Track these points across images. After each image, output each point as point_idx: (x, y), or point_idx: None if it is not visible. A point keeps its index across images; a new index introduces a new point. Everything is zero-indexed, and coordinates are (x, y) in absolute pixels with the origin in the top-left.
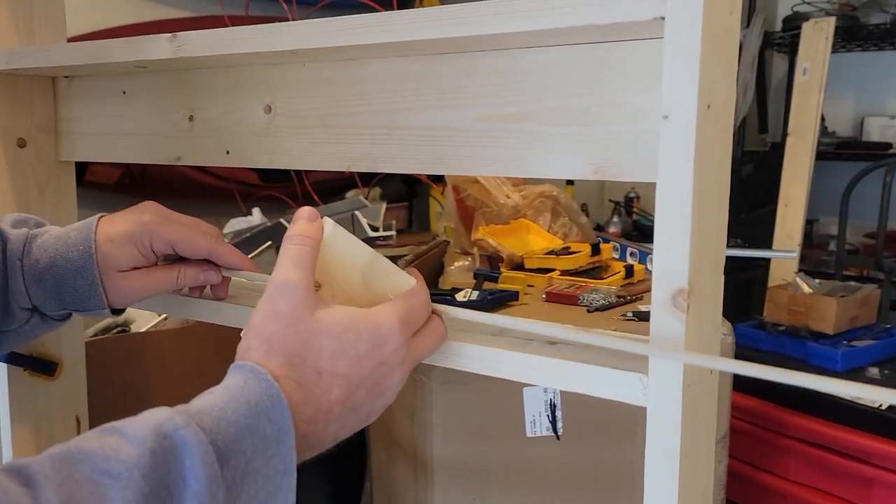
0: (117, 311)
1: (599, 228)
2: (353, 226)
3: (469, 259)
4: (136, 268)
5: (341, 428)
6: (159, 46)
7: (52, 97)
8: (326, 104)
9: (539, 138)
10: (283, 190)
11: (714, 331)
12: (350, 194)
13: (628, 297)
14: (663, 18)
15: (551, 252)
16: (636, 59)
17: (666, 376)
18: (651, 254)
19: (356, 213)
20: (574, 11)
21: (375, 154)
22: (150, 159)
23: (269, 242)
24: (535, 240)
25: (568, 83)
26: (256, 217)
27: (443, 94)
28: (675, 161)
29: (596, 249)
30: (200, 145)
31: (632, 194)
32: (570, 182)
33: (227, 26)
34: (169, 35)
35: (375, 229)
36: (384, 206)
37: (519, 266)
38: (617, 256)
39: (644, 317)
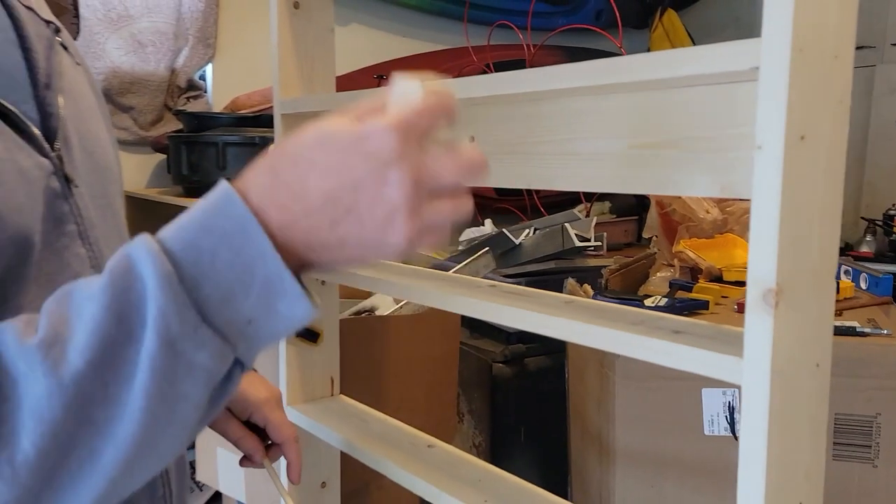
0: None
1: (848, 248)
2: (562, 237)
3: (672, 270)
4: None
5: (334, 227)
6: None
7: None
8: (516, 135)
9: (678, 162)
10: (514, 203)
11: (818, 328)
12: (578, 209)
13: None
14: (758, 68)
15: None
16: (746, 99)
17: (756, 360)
18: (863, 272)
19: (566, 224)
20: (699, 61)
21: (551, 175)
22: None
23: (487, 248)
24: (740, 254)
25: (699, 117)
26: (488, 227)
27: (606, 126)
28: (765, 183)
29: None
30: None
31: (893, 211)
32: None
33: (471, 57)
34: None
35: (584, 240)
36: (594, 219)
37: (717, 278)
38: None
39: (837, 330)
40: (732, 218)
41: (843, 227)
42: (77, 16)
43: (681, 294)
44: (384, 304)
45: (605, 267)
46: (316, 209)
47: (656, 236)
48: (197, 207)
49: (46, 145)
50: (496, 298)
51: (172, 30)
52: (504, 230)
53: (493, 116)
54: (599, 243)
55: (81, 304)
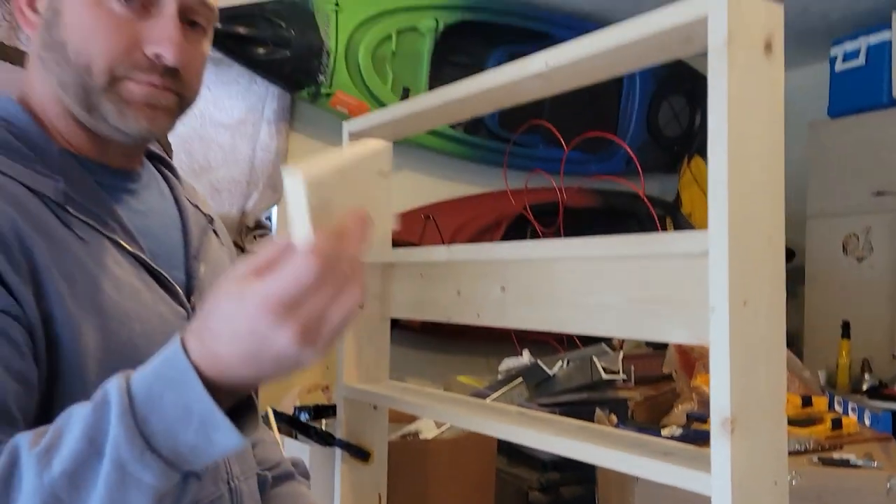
0: None
1: (882, 386)
2: (590, 369)
3: (692, 403)
4: None
5: (261, 373)
6: (438, 252)
7: (380, 277)
8: (540, 286)
9: (663, 315)
10: (551, 335)
11: (772, 451)
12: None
13: (826, 445)
14: (707, 252)
15: None
16: (703, 272)
17: (720, 475)
18: (866, 409)
19: (594, 358)
20: (669, 244)
21: (567, 321)
22: (433, 317)
23: (520, 379)
24: None
25: (675, 283)
26: (525, 357)
27: (610, 284)
28: (718, 336)
29: (807, 401)
30: (463, 309)
31: None
32: (845, 335)
33: (510, 199)
34: (446, 247)
35: (611, 373)
36: (621, 354)
37: None
38: (841, 410)
39: (832, 462)
40: None
41: (879, 364)
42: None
43: (697, 425)
44: (428, 429)
45: (629, 399)
46: (229, 351)
47: (675, 371)
48: (157, 356)
49: (185, 299)
50: (522, 423)
51: (245, 178)
52: (538, 361)
53: (521, 271)
54: (625, 376)
55: (73, 422)
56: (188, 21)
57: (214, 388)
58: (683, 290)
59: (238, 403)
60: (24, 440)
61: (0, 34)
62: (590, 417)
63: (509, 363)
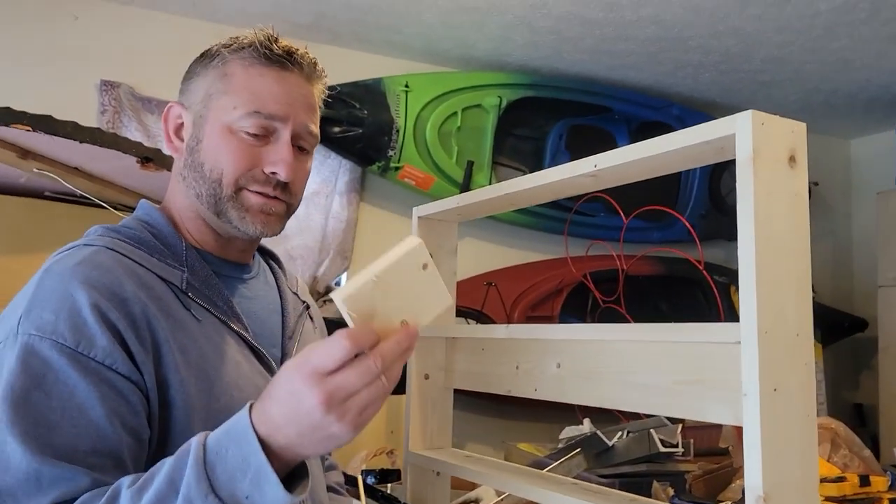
0: None
1: None
2: (648, 441)
3: None
4: None
5: (301, 436)
6: (498, 330)
7: (444, 350)
8: (592, 365)
9: (704, 396)
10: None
11: None
12: None
13: None
14: (739, 342)
15: (823, 479)
16: (738, 359)
17: None
18: None
19: (651, 431)
20: (708, 332)
21: (615, 398)
22: (493, 390)
23: (579, 450)
24: None
25: (715, 366)
26: (586, 426)
27: (655, 365)
28: (750, 419)
29: (865, 480)
30: (522, 383)
31: None
32: None
33: (569, 267)
34: (505, 326)
35: (669, 445)
36: (680, 427)
37: None
38: None
39: None
40: None
41: None
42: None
43: None
44: (488, 496)
45: (687, 472)
46: (284, 424)
47: (732, 446)
48: (232, 418)
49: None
50: (576, 493)
51: (318, 246)
52: (598, 432)
53: (575, 350)
54: (683, 450)
55: (162, 468)
56: (298, 146)
57: (272, 452)
58: (721, 374)
59: (294, 470)
60: (126, 481)
61: (103, 119)
62: (648, 490)
63: (570, 432)
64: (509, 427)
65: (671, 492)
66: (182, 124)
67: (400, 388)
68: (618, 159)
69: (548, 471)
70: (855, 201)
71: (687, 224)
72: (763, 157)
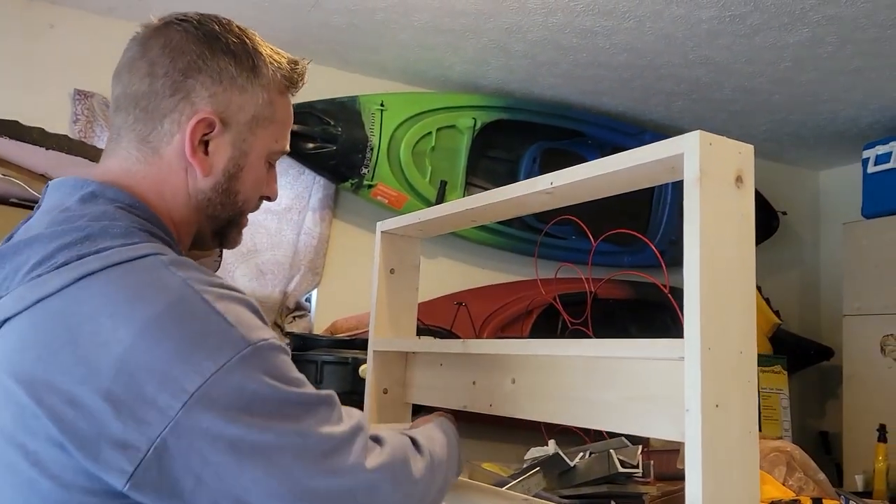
0: None
1: None
2: (608, 462)
3: None
4: None
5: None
6: (455, 345)
7: (404, 364)
8: (547, 381)
9: (651, 412)
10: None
11: None
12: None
13: None
14: (682, 358)
15: (776, 501)
16: (680, 375)
17: None
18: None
19: (611, 451)
20: (652, 349)
21: (571, 415)
22: (451, 405)
23: (538, 468)
24: (768, 490)
25: (660, 382)
26: (551, 448)
27: (607, 382)
28: (692, 434)
29: (818, 502)
30: (477, 399)
31: None
32: (881, 439)
33: (541, 290)
34: (461, 340)
35: (629, 466)
36: (640, 448)
37: None
38: None
39: None
40: (760, 455)
41: None
42: (221, 255)
43: None
44: None
45: (642, 495)
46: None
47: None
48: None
49: None
50: None
51: (289, 261)
52: (559, 452)
53: (530, 366)
54: (641, 472)
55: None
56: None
57: None
58: (666, 390)
59: None
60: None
61: (75, 129)
62: None
63: (535, 452)
64: (475, 447)
65: None
66: (210, 139)
67: (357, 403)
68: (574, 177)
69: (507, 488)
70: (823, 232)
71: (654, 248)
72: (710, 176)
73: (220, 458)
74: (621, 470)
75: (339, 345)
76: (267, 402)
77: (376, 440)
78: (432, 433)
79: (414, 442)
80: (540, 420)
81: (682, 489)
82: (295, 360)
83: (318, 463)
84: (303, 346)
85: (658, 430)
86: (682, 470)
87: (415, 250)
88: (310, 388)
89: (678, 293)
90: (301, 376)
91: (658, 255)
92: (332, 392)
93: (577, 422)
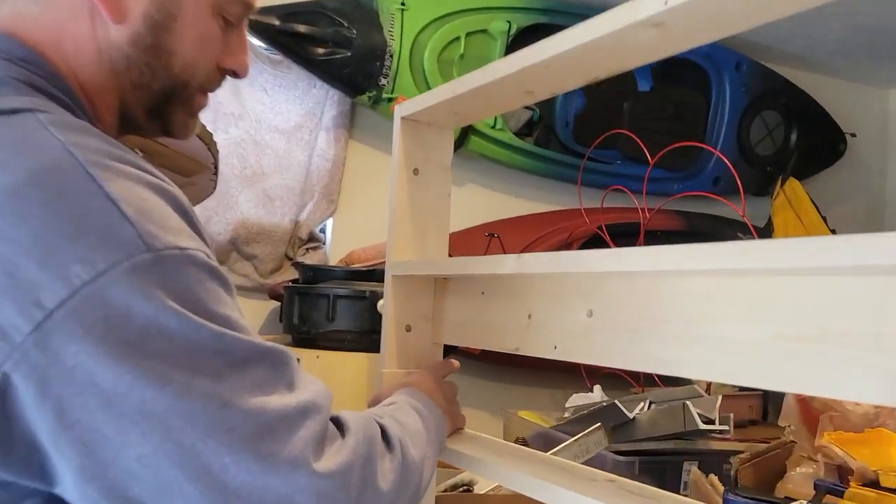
0: None
1: None
2: (683, 416)
3: (814, 466)
4: None
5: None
6: (506, 264)
7: (432, 294)
8: (638, 313)
9: (832, 360)
10: (626, 370)
11: None
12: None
13: None
14: None
15: None
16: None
17: None
18: None
19: (688, 403)
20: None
21: (681, 359)
22: (497, 347)
23: (599, 424)
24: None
25: (859, 311)
26: (597, 394)
27: (744, 311)
28: None
29: None
30: (534, 339)
31: None
32: None
33: (583, 218)
34: (515, 256)
35: (709, 422)
36: (720, 398)
37: (873, 482)
38: None
39: None
40: (885, 411)
41: None
42: (216, 173)
43: (830, 499)
44: (482, 480)
45: (730, 453)
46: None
47: (791, 426)
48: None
49: None
50: (615, 500)
51: (300, 186)
52: (616, 402)
53: (618, 289)
54: (726, 427)
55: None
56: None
57: None
58: (873, 319)
59: None
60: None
61: None
62: (675, 472)
63: (578, 400)
64: (506, 392)
65: (715, 481)
66: None
67: (373, 345)
68: None
69: (562, 448)
70: (891, 157)
71: (727, 162)
72: None
73: (89, 416)
74: (702, 426)
75: (356, 276)
76: (171, 340)
77: (338, 425)
78: (404, 416)
79: (384, 432)
80: (634, 369)
81: (774, 448)
82: (303, 294)
83: (240, 447)
84: (313, 279)
85: (848, 387)
86: (753, 419)
87: (446, 143)
88: (247, 336)
89: (731, 224)
90: (238, 317)
91: (733, 171)
92: (283, 347)
93: (691, 371)
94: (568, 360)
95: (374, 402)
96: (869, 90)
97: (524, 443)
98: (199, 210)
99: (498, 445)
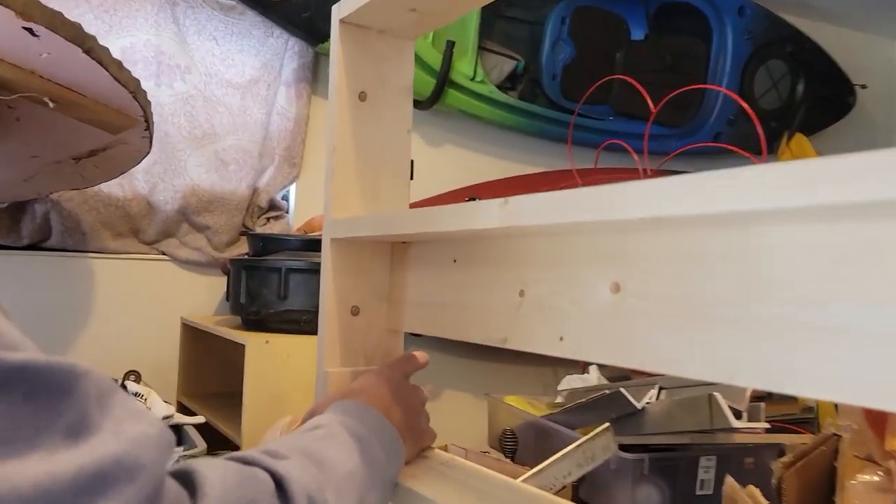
0: None
1: None
2: (710, 409)
3: (880, 474)
4: None
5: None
6: (487, 213)
7: (388, 264)
8: (697, 286)
9: None
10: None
11: None
12: None
13: None
14: None
15: None
16: None
17: None
18: None
19: (715, 395)
20: None
21: (771, 364)
22: (477, 338)
23: (607, 425)
24: None
25: None
26: (593, 377)
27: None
28: None
29: None
30: (530, 326)
31: None
32: None
33: (575, 179)
34: (500, 200)
35: (739, 416)
36: (749, 389)
37: None
38: None
39: None
40: None
41: None
42: (149, 128)
43: None
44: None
45: (755, 447)
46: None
47: (852, 424)
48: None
49: None
50: None
51: (258, 148)
52: (622, 390)
53: (649, 253)
54: (762, 424)
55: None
56: None
57: None
58: None
59: None
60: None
61: None
62: (690, 471)
63: (571, 382)
64: (486, 372)
65: (756, 494)
66: None
67: (311, 327)
68: None
69: (563, 455)
70: None
71: (744, 105)
72: None
73: None
74: (735, 424)
75: (313, 246)
76: None
77: (189, 486)
78: (329, 449)
79: (280, 488)
80: (694, 377)
81: (817, 446)
82: (251, 268)
83: None
84: (263, 250)
85: None
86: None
87: (404, 58)
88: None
89: None
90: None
91: (751, 113)
92: (73, 363)
93: (793, 386)
94: (580, 357)
95: (305, 420)
96: (878, 40)
97: (512, 435)
98: (143, 176)
99: (475, 478)
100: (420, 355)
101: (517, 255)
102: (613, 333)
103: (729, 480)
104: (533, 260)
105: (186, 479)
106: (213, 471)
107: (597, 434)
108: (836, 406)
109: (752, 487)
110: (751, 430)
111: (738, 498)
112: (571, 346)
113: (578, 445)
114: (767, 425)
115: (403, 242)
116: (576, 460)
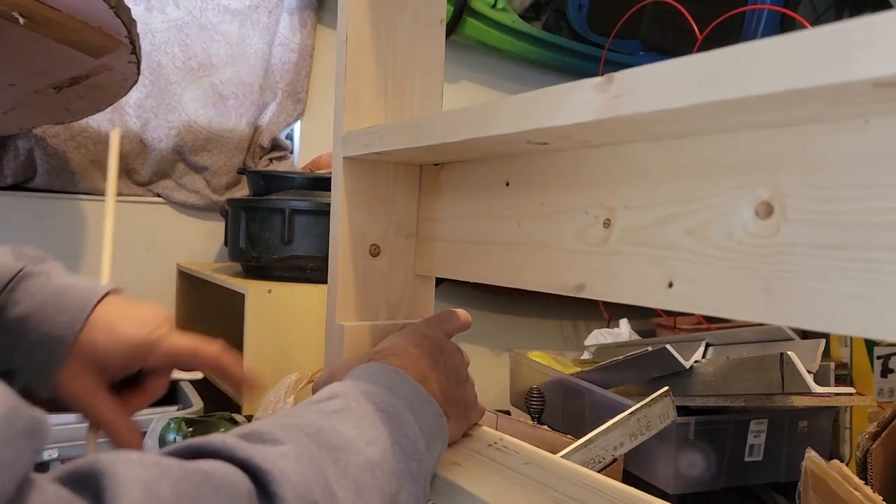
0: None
1: None
2: (780, 371)
3: None
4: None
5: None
6: (580, 102)
7: (416, 191)
8: None
9: None
10: None
11: None
12: None
13: None
14: None
15: None
16: None
17: None
18: None
19: (789, 354)
20: None
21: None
22: (539, 284)
23: (666, 389)
24: None
25: None
26: (624, 331)
27: None
28: None
29: None
30: (620, 268)
31: None
32: None
33: None
34: (598, 80)
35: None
36: (822, 342)
37: None
38: None
39: None
40: None
41: None
42: (134, 52)
43: None
44: None
45: (813, 409)
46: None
47: None
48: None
49: None
50: None
51: (259, 82)
52: (668, 346)
53: (820, 154)
54: (835, 389)
55: None
56: None
57: None
58: None
59: None
60: None
61: None
62: (740, 434)
63: (600, 336)
64: (507, 323)
65: (848, 472)
66: None
67: (319, 275)
68: None
69: (616, 422)
70: None
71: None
72: None
73: None
74: (817, 389)
75: (320, 185)
76: None
77: (90, 489)
78: (348, 427)
79: (262, 485)
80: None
81: None
82: (252, 209)
83: None
84: (264, 189)
85: None
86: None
87: None
88: None
89: None
90: None
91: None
92: None
93: None
94: (701, 311)
95: (318, 389)
96: None
97: (540, 394)
98: (134, 111)
99: (537, 467)
100: (462, 313)
101: (602, 169)
102: (759, 276)
103: (811, 455)
104: (626, 175)
105: (88, 484)
106: (136, 470)
107: (653, 399)
108: (871, 362)
109: (838, 463)
110: (831, 394)
111: (828, 477)
112: (687, 294)
113: (632, 412)
114: (851, 389)
115: (436, 164)
116: (629, 429)
